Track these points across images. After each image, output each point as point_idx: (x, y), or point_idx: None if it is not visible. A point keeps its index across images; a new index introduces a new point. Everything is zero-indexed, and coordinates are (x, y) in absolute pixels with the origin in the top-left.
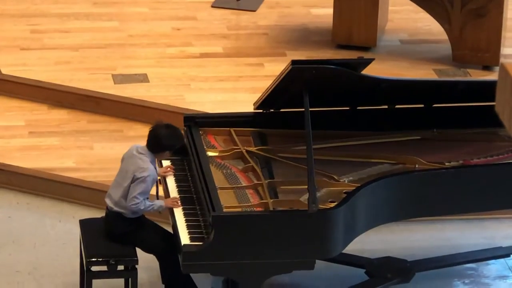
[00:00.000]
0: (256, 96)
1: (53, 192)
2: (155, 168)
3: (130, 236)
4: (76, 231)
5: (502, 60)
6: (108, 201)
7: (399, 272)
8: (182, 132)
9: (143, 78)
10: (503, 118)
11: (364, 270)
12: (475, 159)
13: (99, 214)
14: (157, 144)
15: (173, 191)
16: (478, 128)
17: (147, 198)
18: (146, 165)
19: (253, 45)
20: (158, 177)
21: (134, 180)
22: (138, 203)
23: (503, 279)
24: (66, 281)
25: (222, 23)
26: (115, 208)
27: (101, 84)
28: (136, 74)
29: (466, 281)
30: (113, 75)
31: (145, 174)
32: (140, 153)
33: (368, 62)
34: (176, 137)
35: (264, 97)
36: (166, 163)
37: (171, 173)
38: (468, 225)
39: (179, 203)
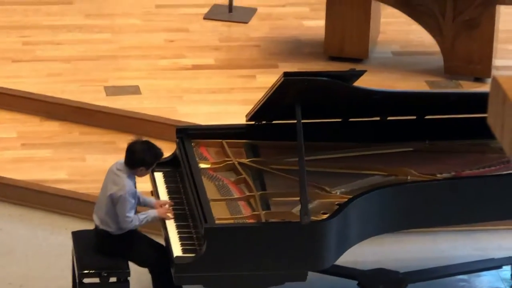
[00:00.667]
0: (248, 108)
1: (45, 204)
2: (134, 183)
3: (120, 252)
4: (68, 243)
5: (494, 72)
6: (95, 218)
7: (392, 284)
8: (175, 146)
9: (135, 90)
10: (495, 130)
11: (357, 282)
12: (467, 171)
13: (91, 226)
14: (132, 159)
15: (169, 214)
16: (470, 140)
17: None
18: (122, 182)
19: (245, 57)
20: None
21: (114, 200)
22: (132, 220)
23: None
24: None
25: (214, 35)
26: (101, 226)
27: (93, 96)
28: (128, 86)
29: None
30: (105, 87)
31: (122, 192)
32: (118, 169)
33: (360, 74)
34: (151, 153)
35: (256, 109)
36: (160, 179)
37: (171, 215)
38: (460, 236)
39: (171, 213)
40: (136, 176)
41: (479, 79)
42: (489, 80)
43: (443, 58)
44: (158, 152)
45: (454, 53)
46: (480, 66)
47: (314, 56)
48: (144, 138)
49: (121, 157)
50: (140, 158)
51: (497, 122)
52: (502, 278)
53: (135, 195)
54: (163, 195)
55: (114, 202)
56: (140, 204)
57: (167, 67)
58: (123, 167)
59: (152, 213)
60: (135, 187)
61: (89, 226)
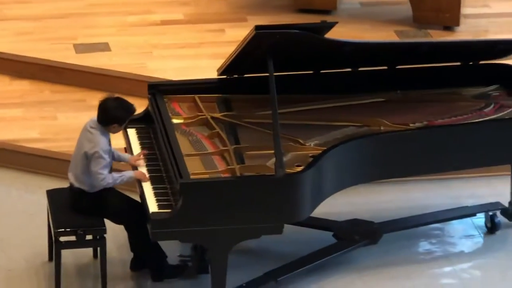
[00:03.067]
0: (218, 62)
1: (18, 164)
2: (109, 141)
3: (95, 210)
4: (43, 202)
5: (462, 20)
6: (70, 177)
7: (367, 234)
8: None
9: (104, 47)
10: None
11: (332, 233)
12: (439, 120)
13: (65, 184)
14: (104, 116)
15: (139, 160)
16: (441, 89)
17: (113, 171)
18: (96, 139)
19: (213, 11)
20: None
21: (88, 157)
22: (104, 177)
23: (469, 238)
24: (35, 251)
25: None
26: (76, 185)
27: (63, 54)
28: (97, 43)
29: (433, 241)
30: (74, 45)
31: (96, 149)
32: (91, 127)
33: (331, 25)
34: (123, 109)
35: (228, 63)
36: (133, 136)
37: (142, 162)
38: (433, 185)
39: (148, 177)
40: (110, 133)
41: (448, 28)
42: (458, 29)
43: (412, 7)
44: (130, 108)
45: (423, 2)
46: (449, 14)
47: (283, 8)
48: (116, 95)
49: (92, 114)
50: (112, 115)
51: None
52: (476, 225)
53: (109, 153)
54: (137, 151)
55: (88, 160)
56: (116, 160)
57: (136, 23)
58: (96, 125)
59: (128, 173)
60: (110, 145)
61: (63, 184)
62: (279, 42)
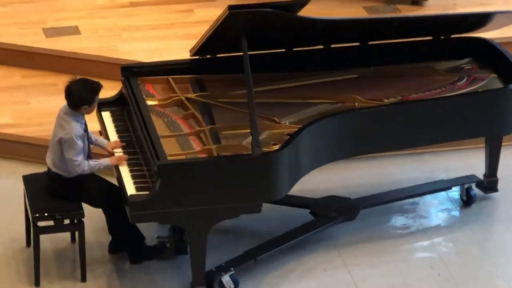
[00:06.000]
0: (188, 43)
1: None
2: (84, 125)
3: (73, 194)
4: (18, 187)
5: None
6: (48, 161)
7: (344, 211)
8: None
9: (74, 31)
10: None
11: (309, 211)
12: (413, 95)
13: (40, 169)
14: (72, 100)
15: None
16: (414, 64)
17: (89, 158)
18: (68, 125)
19: None
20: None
21: (61, 144)
22: (79, 164)
23: (445, 211)
24: (12, 237)
25: None
26: (53, 169)
27: (33, 39)
28: (67, 27)
29: (410, 216)
30: (44, 29)
31: (68, 136)
32: (64, 114)
33: (304, 3)
34: (88, 89)
35: (201, 43)
36: (108, 119)
37: (119, 148)
38: (408, 160)
39: (124, 160)
40: (84, 116)
41: (416, 3)
42: (427, 3)
43: None
44: (95, 86)
45: None
46: None
47: None
48: (78, 77)
49: (64, 98)
50: (78, 97)
51: None
52: (451, 199)
53: (83, 138)
54: (112, 134)
55: (62, 146)
56: (94, 144)
57: (104, 6)
58: (68, 110)
59: (105, 161)
60: (86, 129)
61: (37, 169)
62: (252, 21)
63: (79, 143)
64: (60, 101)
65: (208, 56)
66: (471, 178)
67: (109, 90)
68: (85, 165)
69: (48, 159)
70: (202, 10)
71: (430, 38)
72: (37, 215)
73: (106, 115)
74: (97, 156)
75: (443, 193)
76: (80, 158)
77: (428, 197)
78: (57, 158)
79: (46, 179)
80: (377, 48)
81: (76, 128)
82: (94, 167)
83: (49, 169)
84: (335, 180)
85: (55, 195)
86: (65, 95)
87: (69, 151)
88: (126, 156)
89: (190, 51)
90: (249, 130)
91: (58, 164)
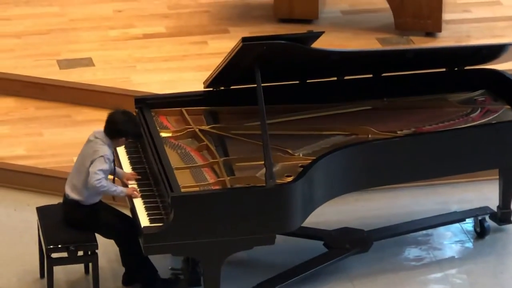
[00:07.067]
0: (202, 74)
1: (5, 181)
2: (112, 152)
3: (88, 223)
4: (32, 218)
5: (444, 26)
6: (66, 188)
7: (357, 242)
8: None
9: (88, 62)
10: None
11: (323, 242)
12: (426, 126)
13: (53, 201)
14: (113, 129)
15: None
16: (428, 95)
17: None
18: (101, 148)
19: (195, 23)
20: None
21: (91, 162)
22: (100, 179)
23: (459, 243)
24: (26, 269)
25: (163, 3)
26: (72, 195)
27: (47, 70)
28: (81, 59)
29: (424, 247)
30: (58, 61)
31: (100, 153)
32: (96, 138)
33: (317, 35)
34: (132, 123)
35: (215, 75)
36: (122, 150)
37: (133, 180)
38: (421, 191)
39: (138, 193)
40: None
41: (430, 34)
42: (440, 35)
43: (393, 14)
44: (138, 121)
45: (404, 8)
46: (431, 20)
47: (264, 18)
48: (122, 109)
49: (78, 130)
50: (120, 128)
51: None
52: (465, 230)
53: (111, 162)
54: (126, 166)
55: (90, 164)
56: (113, 174)
57: (118, 38)
58: (102, 136)
59: (121, 189)
60: (114, 158)
61: (50, 200)
62: (266, 53)
63: (107, 165)
64: (73, 132)
65: (222, 87)
66: (484, 209)
67: None
68: (104, 182)
69: (68, 184)
70: (216, 42)
71: (444, 69)
72: (50, 246)
73: (120, 147)
74: None
75: (457, 224)
76: (103, 175)
77: (441, 228)
78: (79, 181)
79: (61, 209)
80: (390, 79)
81: (108, 152)
82: (111, 187)
83: (65, 196)
84: (348, 212)
85: (69, 224)
86: (107, 121)
87: (96, 165)
88: (139, 194)
89: (204, 82)
90: (262, 162)
91: (78, 186)
